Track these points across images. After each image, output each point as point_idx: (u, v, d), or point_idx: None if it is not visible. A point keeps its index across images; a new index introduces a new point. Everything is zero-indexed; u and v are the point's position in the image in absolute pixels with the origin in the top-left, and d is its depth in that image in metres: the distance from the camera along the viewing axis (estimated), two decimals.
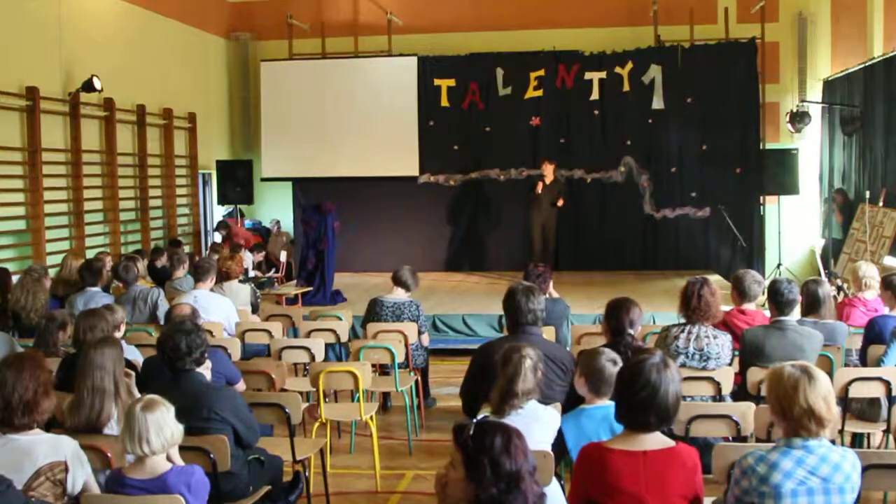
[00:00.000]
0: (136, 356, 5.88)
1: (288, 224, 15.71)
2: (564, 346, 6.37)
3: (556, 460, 4.08)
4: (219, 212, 15.73)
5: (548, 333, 6.15)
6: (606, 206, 14.46)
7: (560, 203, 12.94)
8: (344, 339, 7.77)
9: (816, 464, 3.09)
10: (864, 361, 6.01)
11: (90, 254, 10.52)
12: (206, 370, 4.72)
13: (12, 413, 3.69)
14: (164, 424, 3.60)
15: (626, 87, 14.06)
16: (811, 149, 14.19)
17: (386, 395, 7.99)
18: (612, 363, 4.20)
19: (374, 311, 7.75)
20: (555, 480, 4.00)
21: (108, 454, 4.09)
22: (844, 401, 5.35)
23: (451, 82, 14.54)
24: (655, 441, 3.22)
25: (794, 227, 14.13)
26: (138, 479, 3.62)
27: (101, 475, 4.04)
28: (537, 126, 14.35)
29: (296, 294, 11.30)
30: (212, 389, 4.60)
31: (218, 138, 15.70)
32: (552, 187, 12.92)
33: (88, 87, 10.85)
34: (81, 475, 3.76)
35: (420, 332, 7.65)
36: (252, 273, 12.51)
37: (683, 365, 5.09)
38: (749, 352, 5.42)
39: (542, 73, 14.22)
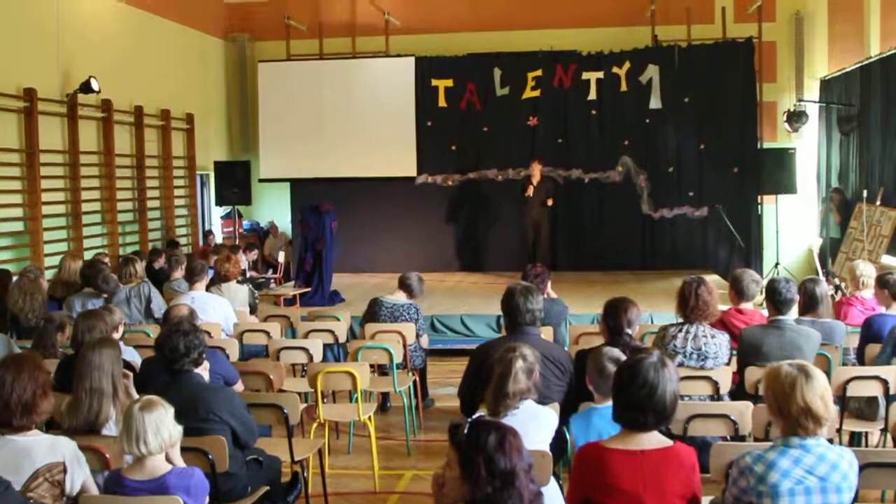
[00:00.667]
0: (135, 357, 5.88)
1: (286, 225, 15.72)
2: (562, 347, 6.37)
3: (554, 460, 4.08)
4: (217, 213, 15.73)
5: (546, 334, 6.15)
6: (604, 206, 14.46)
7: (550, 202, 12.97)
8: (342, 339, 7.77)
9: (814, 463, 3.10)
10: (861, 360, 6.02)
11: (88, 255, 10.52)
12: (204, 371, 4.72)
13: (11, 414, 3.69)
14: (161, 425, 3.60)
15: (624, 87, 14.07)
16: (808, 148, 14.20)
17: (384, 396, 8.00)
18: (614, 362, 4.20)
19: (373, 310, 7.75)
20: (553, 480, 4.00)
21: (107, 455, 4.09)
22: (842, 399, 5.36)
23: (449, 83, 14.55)
24: (653, 440, 3.23)
25: (791, 227, 14.14)
26: (137, 481, 3.62)
27: (99, 476, 4.04)
28: (535, 126, 14.37)
29: (294, 295, 11.30)
30: (210, 390, 4.60)
31: (216, 139, 15.69)
32: (541, 187, 12.97)
33: (86, 88, 10.84)
34: (80, 476, 3.76)
35: (418, 335, 7.65)
36: (248, 274, 12.51)
37: (681, 364, 5.09)
38: (747, 351, 5.43)
39: (539, 73, 14.24)
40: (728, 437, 4.64)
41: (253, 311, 8.65)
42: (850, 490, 3.14)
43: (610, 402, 4.11)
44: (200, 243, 14.09)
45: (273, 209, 16.14)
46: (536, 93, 14.29)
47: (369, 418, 6.29)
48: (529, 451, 2.90)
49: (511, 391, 4.01)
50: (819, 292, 6.03)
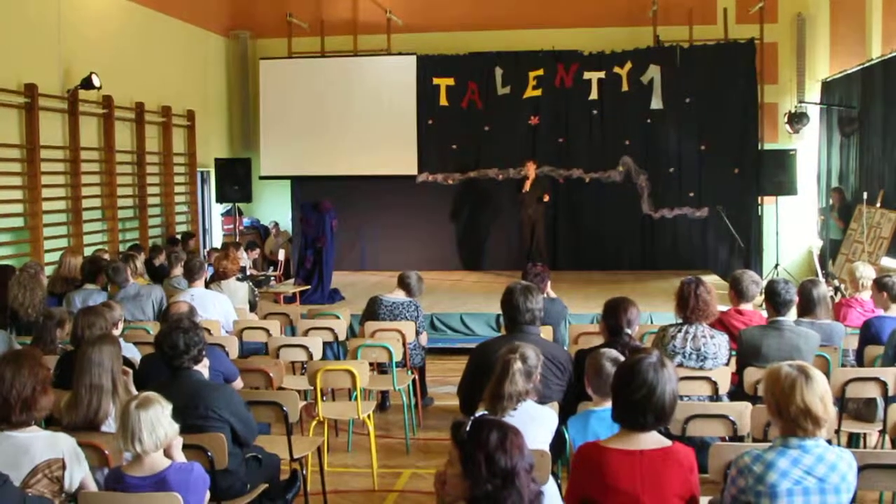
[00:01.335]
0: (134, 354, 5.88)
1: (286, 222, 15.72)
2: (562, 346, 6.37)
3: (553, 459, 4.08)
4: (217, 210, 15.73)
5: (546, 333, 6.16)
6: (605, 206, 14.47)
7: (546, 198, 12.99)
8: (342, 337, 7.78)
9: (813, 463, 3.10)
10: (860, 362, 6.02)
11: (88, 251, 10.53)
12: (203, 368, 4.72)
13: (10, 410, 3.70)
14: (157, 424, 3.59)
15: (625, 87, 14.07)
16: (809, 149, 14.20)
17: (384, 394, 8.00)
18: (612, 363, 4.20)
19: (373, 309, 7.76)
20: (551, 479, 4.00)
21: (106, 452, 4.09)
22: (841, 401, 5.36)
23: (451, 81, 14.55)
24: (652, 440, 3.23)
25: (791, 228, 14.15)
26: (137, 477, 3.62)
27: (98, 473, 4.04)
28: (536, 125, 14.36)
29: (294, 292, 11.31)
30: (209, 387, 4.60)
31: (217, 136, 15.69)
32: (536, 186, 13.00)
33: (87, 84, 10.83)
34: (79, 472, 3.76)
35: (418, 332, 7.66)
36: (249, 272, 12.52)
37: (680, 364, 5.09)
38: (746, 352, 5.43)
39: (541, 72, 14.23)
40: (727, 438, 4.64)
41: (253, 308, 8.65)
42: (848, 491, 3.14)
43: (608, 404, 4.12)
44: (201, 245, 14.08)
45: (273, 207, 16.14)
46: (538, 92, 14.28)
47: (368, 416, 6.29)
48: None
49: (507, 392, 3.99)
50: (819, 294, 6.03)
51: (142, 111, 12.77)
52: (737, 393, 5.36)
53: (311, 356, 6.82)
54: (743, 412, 4.63)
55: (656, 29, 14.30)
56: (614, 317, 5.14)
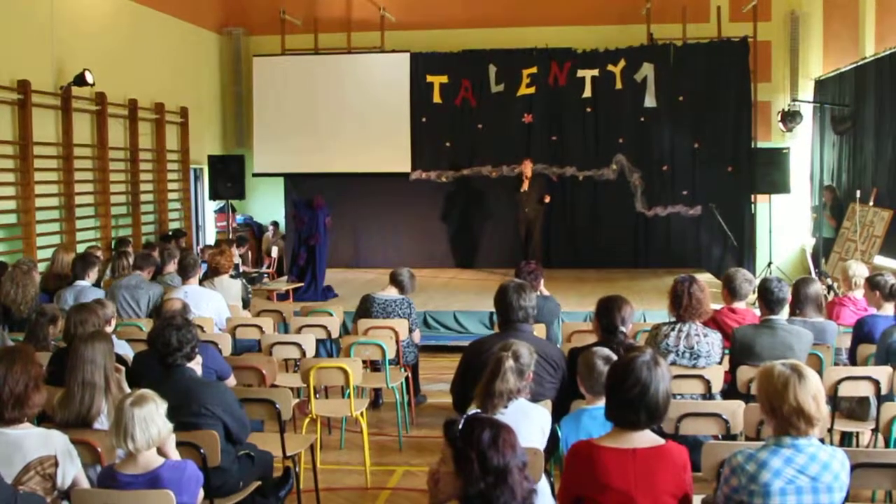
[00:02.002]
0: (127, 351, 5.87)
1: (280, 220, 15.70)
2: (555, 344, 6.37)
3: (545, 457, 4.08)
4: (210, 207, 15.70)
5: (539, 331, 6.16)
6: (598, 204, 14.49)
7: (547, 199, 13.00)
8: (335, 334, 7.77)
9: (805, 462, 3.10)
10: (853, 360, 6.04)
11: (81, 248, 10.49)
12: (196, 365, 4.71)
13: (3, 407, 3.69)
14: (150, 422, 3.58)
15: (619, 85, 14.08)
16: (802, 148, 14.23)
17: (376, 392, 8.00)
18: (605, 362, 4.19)
19: (365, 307, 7.75)
20: (544, 478, 4.00)
21: (98, 449, 4.09)
22: (834, 399, 5.37)
23: (444, 79, 14.55)
24: (645, 439, 3.23)
25: (784, 226, 14.16)
26: (130, 475, 3.62)
27: (91, 470, 4.03)
28: (530, 123, 14.37)
29: (287, 290, 11.30)
30: (202, 385, 4.60)
31: (210, 133, 15.65)
32: (534, 185, 13.01)
33: (80, 80, 10.80)
34: (71, 470, 3.75)
35: (411, 330, 7.65)
36: (241, 269, 12.49)
37: (674, 363, 5.10)
38: (739, 350, 5.44)
39: (534, 70, 14.24)
40: (720, 436, 4.65)
41: (246, 305, 8.64)
42: (841, 490, 3.15)
43: (601, 403, 4.13)
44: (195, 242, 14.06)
45: (267, 204, 16.11)
46: (531, 90, 14.29)
47: (361, 414, 6.28)
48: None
49: (498, 390, 3.98)
50: (812, 292, 6.05)
51: (135, 108, 12.73)
52: (730, 391, 5.37)
53: (304, 353, 6.83)
54: (736, 411, 4.63)
55: (650, 27, 14.32)
56: (608, 315, 5.14)
